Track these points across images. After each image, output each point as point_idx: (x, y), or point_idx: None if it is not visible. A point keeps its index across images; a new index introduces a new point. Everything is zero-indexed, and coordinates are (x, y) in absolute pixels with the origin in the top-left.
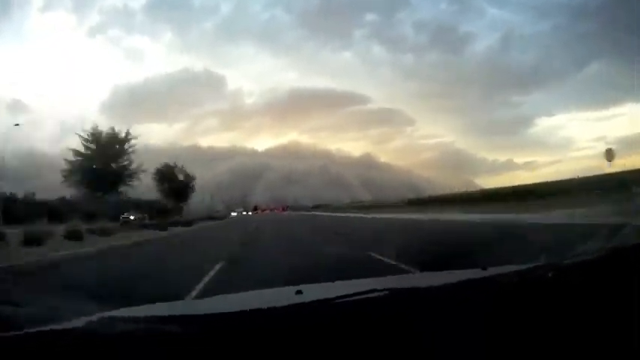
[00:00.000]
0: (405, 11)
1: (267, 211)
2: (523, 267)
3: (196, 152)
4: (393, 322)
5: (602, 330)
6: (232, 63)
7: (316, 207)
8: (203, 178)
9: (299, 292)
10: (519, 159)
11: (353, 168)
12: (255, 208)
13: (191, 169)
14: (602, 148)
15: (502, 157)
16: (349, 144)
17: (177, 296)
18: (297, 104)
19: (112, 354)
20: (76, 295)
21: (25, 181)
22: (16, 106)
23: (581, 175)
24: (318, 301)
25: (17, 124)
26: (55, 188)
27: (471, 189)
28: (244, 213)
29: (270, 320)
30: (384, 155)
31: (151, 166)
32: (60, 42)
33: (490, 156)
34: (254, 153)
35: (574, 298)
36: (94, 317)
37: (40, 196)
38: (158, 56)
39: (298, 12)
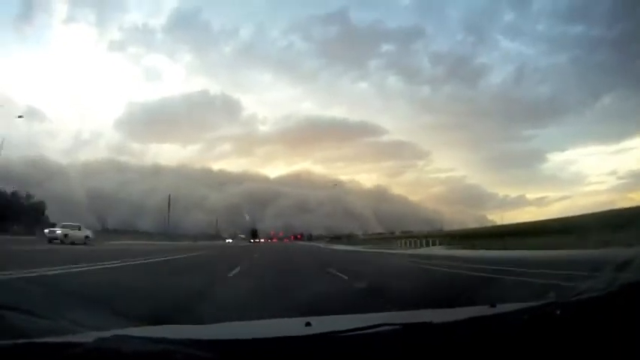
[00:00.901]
0: (421, 42)
1: (275, 240)
2: (532, 304)
3: (207, 175)
4: (404, 357)
5: None
6: (248, 88)
7: (336, 238)
8: (212, 201)
9: (308, 324)
10: (531, 194)
11: (365, 199)
12: (255, 235)
13: (202, 191)
14: (613, 182)
15: (513, 193)
16: (362, 175)
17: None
18: (311, 133)
19: None
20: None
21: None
22: (31, 114)
23: (591, 210)
24: (329, 333)
25: (20, 116)
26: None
27: (484, 224)
28: (244, 239)
29: (282, 350)
30: (397, 188)
31: (161, 186)
32: (80, 54)
33: (501, 191)
34: (265, 179)
35: (582, 335)
36: (106, 333)
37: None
38: (175, 76)
39: (316, 40)
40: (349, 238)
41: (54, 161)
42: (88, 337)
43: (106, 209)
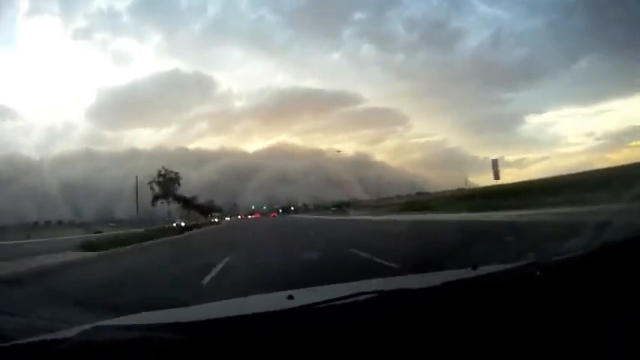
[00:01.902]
0: (395, 9)
1: (257, 216)
2: (512, 265)
3: (184, 155)
4: (381, 325)
5: (591, 327)
6: (221, 65)
7: (338, 206)
8: (190, 180)
9: (290, 297)
10: (510, 157)
11: (348, 167)
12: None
13: (181, 172)
14: (591, 143)
15: (493, 155)
16: (342, 145)
17: None
18: (287, 106)
19: None
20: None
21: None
22: (2, 112)
23: (570, 171)
24: (308, 305)
25: None
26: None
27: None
28: (220, 216)
29: (262, 325)
30: (378, 154)
31: (136, 171)
32: (46, 47)
33: (481, 154)
34: (244, 154)
35: (563, 295)
36: (88, 326)
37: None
38: (145, 59)
39: (286, 12)
40: (348, 207)
41: (27, 157)
42: (71, 332)
43: (81, 200)
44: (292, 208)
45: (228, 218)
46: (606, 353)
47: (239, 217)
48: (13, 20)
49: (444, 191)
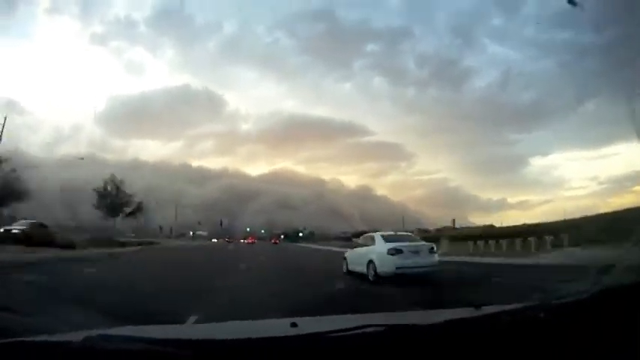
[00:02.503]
0: (408, 43)
1: (252, 241)
2: (515, 306)
3: (187, 171)
4: (388, 358)
5: None
6: (231, 85)
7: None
8: (191, 196)
9: (294, 324)
10: (512, 198)
11: (349, 198)
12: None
13: (181, 188)
14: (594, 187)
15: (495, 196)
16: (345, 176)
17: None
18: (294, 132)
19: None
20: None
21: None
22: (11, 107)
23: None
24: (314, 334)
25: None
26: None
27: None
28: (206, 237)
29: (266, 350)
30: (379, 188)
31: (140, 181)
32: (61, 47)
33: (484, 194)
34: (246, 177)
35: (565, 338)
36: (93, 332)
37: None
38: (157, 71)
39: (301, 37)
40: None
41: (29, 154)
42: (75, 335)
43: (78, 205)
44: (300, 234)
45: (215, 240)
46: None
47: (226, 239)
48: (32, 16)
49: (444, 227)
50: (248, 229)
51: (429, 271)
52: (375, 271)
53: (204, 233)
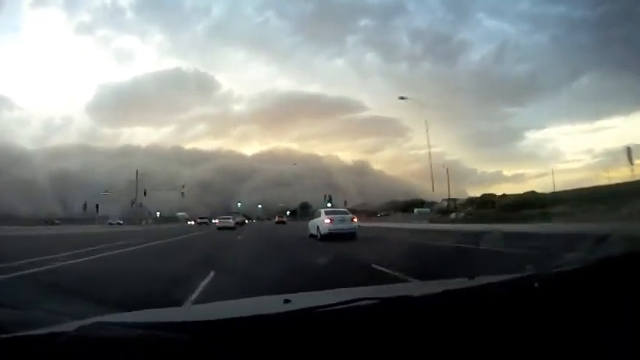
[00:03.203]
0: (401, 18)
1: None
2: (510, 276)
3: (179, 154)
4: (382, 331)
5: (588, 340)
6: (222, 67)
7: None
8: (184, 178)
9: (287, 300)
10: (508, 171)
11: (346, 174)
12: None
13: (174, 170)
14: (589, 160)
15: (491, 169)
16: (340, 152)
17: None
18: (287, 111)
19: (100, 359)
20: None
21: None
22: (1, 103)
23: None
24: (308, 309)
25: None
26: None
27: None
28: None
29: (260, 327)
30: (375, 164)
31: (129, 168)
32: (48, 39)
33: (480, 167)
34: (241, 157)
35: (560, 307)
36: (87, 322)
37: None
38: (147, 57)
39: (292, 16)
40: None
41: (20, 147)
42: (69, 326)
43: (71, 195)
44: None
45: (192, 222)
46: None
47: (199, 220)
48: (17, 10)
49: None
50: (239, 204)
51: (350, 232)
52: (319, 232)
53: (184, 214)
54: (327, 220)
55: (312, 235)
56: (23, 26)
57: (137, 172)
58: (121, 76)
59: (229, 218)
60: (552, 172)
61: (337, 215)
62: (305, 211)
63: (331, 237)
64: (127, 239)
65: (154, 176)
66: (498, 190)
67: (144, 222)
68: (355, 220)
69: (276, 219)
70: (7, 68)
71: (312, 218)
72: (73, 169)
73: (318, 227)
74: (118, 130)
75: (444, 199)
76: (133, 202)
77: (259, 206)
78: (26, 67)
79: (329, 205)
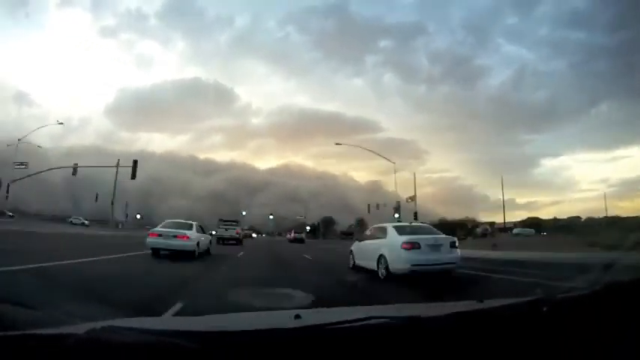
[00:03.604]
0: (421, 40)
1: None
2: (518, 300)
3: (193, 162)
4: (390, 350)
5: None
6: (242, 79)
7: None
8: (197, 187)
9: (298, 316)
10: (521, 198)
11: (359, 193)
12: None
13: (187, 179)
14: (604, 190)
15: (504, 196)
16: (355, 173)
17: None
18: (304, 127)
19: None
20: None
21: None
22: (21, 98)
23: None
24: (318, 325)
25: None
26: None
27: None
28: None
29: (271, 341)
30: (390, 185)
31: (147, 173)
32: (71, 39)
33: (492, 194)
34: (254, 170)
35: (567, 332)
36: (97, 324)
37: None
38: (168, 64)
39: (313, 32)
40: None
41: (35, 144)
42: (79, 328)
43: (82, 194)
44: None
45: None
46: None
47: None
48: (43, 8)
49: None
50: (244, 213)
51: (448, 268)
52: (386, 267)
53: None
54: (405, 244)
55: (360, 268)
56: (47, 25)
57: (118, 161)
58: (141, 82)
59: (234, 225)
60: (604, 197)
61: (424, 236)
62: (328, 228)
63: (413, 276)
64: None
65: (167, 183)
66: (511, 217)
67: (119, 225)
68: (457, 245)
69: (290, 235)
70: (30, 65)
71: (363, 239)
72: (86, 170)
73: (382, 256)
74: (135, 135)
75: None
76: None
77: (271, 217)
78: (48, 65)
79: (396, 216)
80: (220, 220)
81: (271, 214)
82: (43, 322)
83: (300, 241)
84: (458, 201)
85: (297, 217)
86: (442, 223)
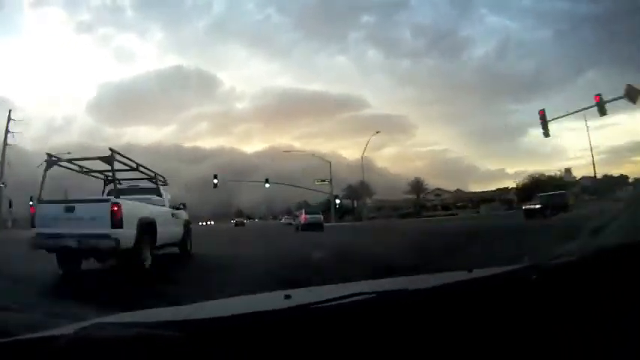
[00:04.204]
0: (403, 14)
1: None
2: (507, 268)
3: (179, 152)
4: (380, 324)
5: (586, 331)
6: (223, 64)
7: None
8: (184, 176)
9: (287, 296)
10: (510, 168)
11: (349, 171)
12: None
13: (173, 167)
14: (593, 157)
15: (493, 167)
16: (343, 151)
17: None
18: (289, 108)
19: (102, 359)
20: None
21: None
22: (1, 105)
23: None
24: (306, 304)
25: None
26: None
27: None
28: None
29: (262, 324)
30: (380, 161)
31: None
32: (47, 39)
33: (482, 165)
34: (241, 154)
35: (558, 299)
36: (87, 323)
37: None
38: (148, 55)
39: (293, 12)
40: None
41: (19, 148)
42: (70, 328)
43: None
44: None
45: None
46: (602, 357)
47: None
48: (17, 10)
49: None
50: (215, 181)
51: (317, 222)
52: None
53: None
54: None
55: (296, 228)
56: (22, 26)
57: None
58: (122, 75)
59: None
60: (593, 163)
61: (314, 214)
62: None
63: (307, 227)
64: None
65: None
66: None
67: (9, 222)
68: (320, 214)
69: (300, 218)
70: (6, 69)
71: (297, 215)
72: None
73: (297, 220)
74: (121, 130)
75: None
76: None
77: (267, 185)
78: (26, 67)
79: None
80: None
81: (267, 181)
82: (32, 326)
83: (317, 227)
84: (448, 174)
85: (316, 183)
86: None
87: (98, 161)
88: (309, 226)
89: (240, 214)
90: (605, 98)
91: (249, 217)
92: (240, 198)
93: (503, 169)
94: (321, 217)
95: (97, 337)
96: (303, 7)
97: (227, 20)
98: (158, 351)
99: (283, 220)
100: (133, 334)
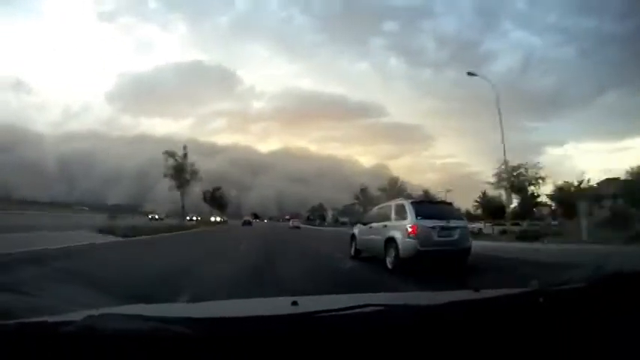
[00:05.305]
0: (427, 22)
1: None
2: (515, 290)
3: (194, 145)
4: (386, 338)
5: (590, 357)
6: (244, 62)
7: None
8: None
9: (295, 303)
10: None
11: (363, 176)
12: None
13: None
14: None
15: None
16: (360, 157)
17: None
18: (307, 111)
19: (105, 350)
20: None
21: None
22: (19, 87)
23: None
24: (314, 312)
25: None
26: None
27: None
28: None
29: (268, 328)
30: (395, 170)
31: (145, 156)
32: (70, 25)
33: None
34: (256, 153)
35: (563, 324)
36: (95, 312)
37: None
38: (168, 48)
39: (317, 14)
40: None
41: (29, 130)
42: (78, 315)
43: (78, 181)
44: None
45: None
46: None
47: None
48: None
49: None
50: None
51: (297, 225)
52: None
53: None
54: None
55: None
56: (45, 11)
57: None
58: (141, 66)
59: None
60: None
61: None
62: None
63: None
64: None
65: (154, 169)
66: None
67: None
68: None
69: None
70: (28, 53)
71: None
72: (82, 155)
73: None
74: (137, 120)
75: None
76: None
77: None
78: (46, 52)
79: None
80: None
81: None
82: (42, 310)
83: (296, 228)
84: (462, 188)
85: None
86: None
87: None
88: (295, 227)
89: (255, 216)
90: (623, 121)
91: (256, 217)
92: (250, 196)
93: None
94: (300, 221)
95: (104, 327)
96: (326, 9)
97: (250, 18)
98: (164, 346)
99: (291, 224)
100: (139, 327)
